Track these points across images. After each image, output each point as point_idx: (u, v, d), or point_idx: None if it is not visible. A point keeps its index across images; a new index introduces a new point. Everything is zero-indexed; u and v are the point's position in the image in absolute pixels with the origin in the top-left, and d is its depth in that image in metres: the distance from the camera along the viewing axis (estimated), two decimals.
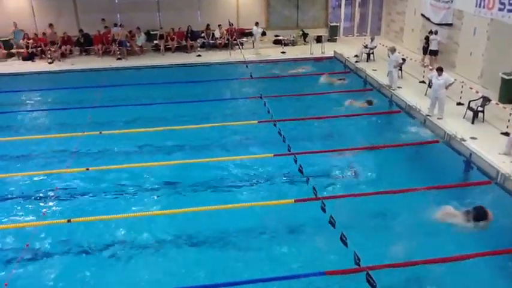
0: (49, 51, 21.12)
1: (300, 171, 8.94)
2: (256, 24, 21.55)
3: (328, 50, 21.26)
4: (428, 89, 14.14)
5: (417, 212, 8.73)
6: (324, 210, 7.47)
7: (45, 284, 7.22)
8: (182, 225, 8.59)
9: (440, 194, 9.27)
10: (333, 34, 23.62)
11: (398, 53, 15.86)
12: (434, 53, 17.23)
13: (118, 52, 21.23)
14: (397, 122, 13.51)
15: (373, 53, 19.20)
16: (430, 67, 16.17)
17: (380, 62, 18.54)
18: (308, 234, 8.35)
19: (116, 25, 21.57)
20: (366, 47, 19.31)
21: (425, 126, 12.60)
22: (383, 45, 19.48)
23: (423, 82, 15.46)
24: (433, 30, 17.18)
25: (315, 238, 8.18)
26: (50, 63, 20.71)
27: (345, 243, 6.72)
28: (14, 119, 14.40)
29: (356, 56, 19.48)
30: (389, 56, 15.56)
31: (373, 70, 17.56)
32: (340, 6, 24.26)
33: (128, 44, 21.26)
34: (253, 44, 21.87)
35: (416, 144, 11.83)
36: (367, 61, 19.02)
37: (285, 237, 8.28)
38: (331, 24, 23.74)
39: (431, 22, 17.81)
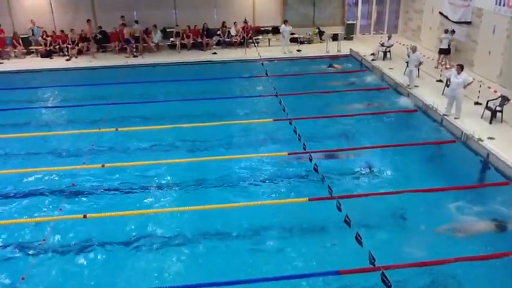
0: (67, 49, 21.38)
1: (315, 169, 8.90)
2: (285, 22, 21.38)
3: (344, 48, 21.13)
4: (446, 88, 13.96)
5: (433, 212, 8.65)
6: (339, 209, 7.43)
7: (61, 278, 7.30)
8: (195, 222, 8.61)
9: (457, 195, 9.14)
10: (350, 32, 23.44)
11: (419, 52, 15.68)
12: (445, 51, 17.06)
13: (134, 49, 21.40)
14: (413, 121, 13.37)
15: (389, 51, 19.00)
16: (448, 66, 15.98)
17: (397, 60, 18.36)
18: (322, 233, 8.30)
19: (136, 22, 21.70)
20: (382, 45, 19.13)
21: (442, 126, 12.45)
22: (400, 44, 19.34)
23: (440, 81, 15.26)
24: (449, 29, 16.94)
25: (330, 237, 8.13)
26: (67, 60, 20.94)
27: (360, 243, 6.67)
28: (32, 115, 14.59)
29: (372, 54, 19.30)
30: (409, 56, 15.32)
31: (390, 69, 17.39)
32: (357, 4, 24.03)
33: (132, 41, 21.36)
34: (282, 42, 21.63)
35: (432, 144, 11.69)
36: (383, 59, 18.84)
37: (299, 235, 8.25)
38: (348, 22, 23.55)
39: (450, 20, 17.57)
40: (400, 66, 17.07)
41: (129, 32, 21.46)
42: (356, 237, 6.80)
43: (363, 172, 10.43)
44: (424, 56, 16.75)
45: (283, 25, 21.31)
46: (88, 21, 21.87)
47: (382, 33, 23.10)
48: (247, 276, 7.15)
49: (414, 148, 11.37)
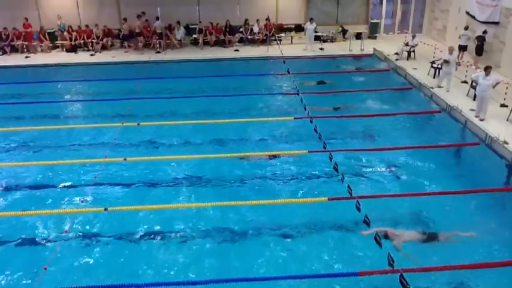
0: (91, 44, 21.69)
1: (335, 169, 8.84)
2: (311, 20, 21.22)
3: (367, 47, 20.93)
4: (472, 89, 13.72)
5: (455, 216, 8.51)
6: (358, 209, 7.37)
7: (81, 268, 7.42)
8: (214, 218, 8.63)
9: (480, 198, 8.98)
10: (373, 31, 23.20)
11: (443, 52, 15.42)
12: (463, 48, 16.96)
13: (157, 45, 21.59)
14: (437, 123, 13.17)
15: (414, 51, 18.74)
16: (474, 66, 15.67)
17: (421, 60, 18.10)
18: (341, 233, 8.24)
19: (157, 19, 21.87)
20: (406, 44, 18.87)
21: (467, 128, 12.23)
22: (424, 44, 19.05)
23: (465, 82, 14.97)
24: (474, 28, 16.66)
25: (348, 237, 8.08)
26: (91, 55, 21.24)
27: (379, 244, 6.61)
28: (56, 108, 14.86)
29: (396, 53, 19.07)
30: (446, 61, 14.48)
31: (414, 69, 17.16)
32: (381, 2, 23.78)
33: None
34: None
35: (456, 146, 11.50)
36: (407, 59, 18.59)
37: (318, 235, 8.21)
38: (372, 21, 23.31)
39: (477, 20, 17.24)
40: (424, 67, 16.83)
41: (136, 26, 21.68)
42: (375, 238, 6.75)
43: (384, 173, 10.32)
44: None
45: (308, 23, 21.20)
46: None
47: (406, 33, 22.78)
48: (265, 274, 7.15)
49: (437, 150, 11.21)
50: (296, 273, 7.17)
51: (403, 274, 5.95)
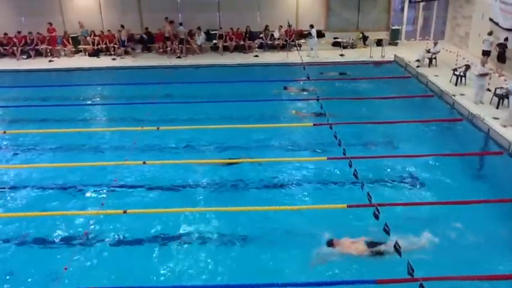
0: (113, 48, 22.00)
1: (355, 175, 8.76)
2: (312, 26, 21.34)
3: (388, 53, 20.79)
4: (494, 97, 13.53)
5: (477, 225, 8.35)
6: (377, 217, 7.28)
7: (100, 269, 7.49)
8: (231, 223, 8.62)
9: (503, 208, 8.80)
10: (394, 37, 23.03)
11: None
12: (487, 53, 16.68)
13: (178, 50, 21.79)
14: (458, 131, 12.98)
15: (435, 58, 18.53)
16: (497, 74, 15.41)
17: (442, 67, 17.87)
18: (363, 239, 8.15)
19: (181, 24, 22.08)
20: (428, 51, 18.67)
21: (489, 136, 12.02)
22: (446, 51, 18.83)
23: (488, 90, 14.69)
24: (497, 35, 16.40)
25: (369, 244, 7.98)
26: (113, 59, 21.54)
27: (399, 252, 6.51)
28: (78, 111, 15.10)
29: (417, 60, 18.86)
30: (484, 75, 14.00)
31: (435, 76, 16.95)
32: (403, 9, 23.60)
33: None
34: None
35: (478, 155, 11.31)
36: (428, 66, 18.38)
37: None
38: (393, 28, 23.15)
39: (500, 27, 16.97)
40: (446, 74, 16.62)
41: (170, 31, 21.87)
42: (395, 246, 6.65)
43: (404, 180, 10.20)
44: (471, 63, 16.25)
45: (313, 29, 21.26)
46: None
47: (428, 39, 22.54)
48: (280, 280, 7.10)
49: (459, 158, 11.04)
50: (311, 280, 7.10)
51: (423, 283, 5.85)
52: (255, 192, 9.87)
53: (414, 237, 7.88)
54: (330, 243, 7.89)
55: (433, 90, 16.01)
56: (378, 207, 7.44)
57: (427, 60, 18.57)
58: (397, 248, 6.59)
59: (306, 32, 22.90)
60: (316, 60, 20.31)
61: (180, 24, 22.06)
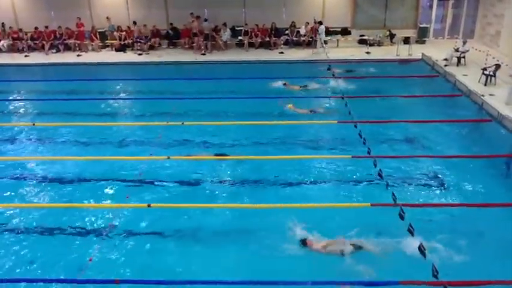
0: (139, 44, 22.24)
1: (380, 175, 8.66)
2: (320, 23, 21.34)
3: (415, 52, 20.46)
4: None
5: (506, 229, 8.16)
6: (402, 217, 7.18)
7: (124, 261, 7.59)
8: (253, 220, 8.61)
9: None
10: (422, 35, 22.65)
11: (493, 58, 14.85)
12: None
13: (203, 47, 21.88)
14: (487, 132, 12.70)
15: (464, 57, 18.14)
16: None
17: (471, 67, 17.50)
18: (383, 240, 8.05)
19: (205, 20, 22.18)
20: (457, 50, 18.30)
21: None
22: (476, 50, 18.44)
23: None
24: None
25: (391, 245, 7.88)
26: (139, 54, 21.78)
27: (423, 254, 6.42)
28: (104, 105, 15.35)
29: (445, 59, 18.51)
30: None
31: (464, 75, 16.60)
32: (431, 6, 23.18)
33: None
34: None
35: (506, 157, 11.04)
36: (457, 65, 18.01)
37: (358, 241, 8.05)
38: (421, 26, 22.77)
39: None
40: (475, 73, 16.26)
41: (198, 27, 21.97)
42: (419, 247, 6.56)
43: (430, 181, 10.04)
44: (502, 63, 15.87)
45: (321, 26, 21.23)
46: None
47: (457, 38, 22.10)
48: (302, 278, 7.07)
49: (487, 160, 10.79)
50: (332, 279, 7.07)
51: (447, 286, 5.76)
52: (277, 189, 9.84)
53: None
54: (304, 243, 7.79)
55: (461, 89, 15.69)
56: (403, 207, 7.36)
57: (455, 59, 18.21)
58: (421, 250, 6.51)
59: (331, 29, 22.78)
60: (342, 57, 20.12)
61: (205, 20, 22.14)
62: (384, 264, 7.41)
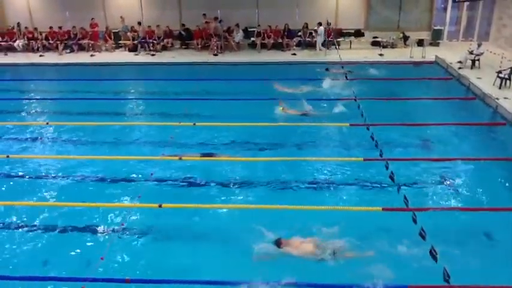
0: (152, 44, 22.36)
1: (391, 178, 8.61)
2: (320, 24, 21.43)
3: (429, 54, 20.31)
4: None
5: None
6: (414, 221, 7.13)
7: (136, 260, 7.64)
8: (266, 220, 8.57)
9: None
10: (436, 38, 22.47)
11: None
12: None
13: (215, 47, 21.95)
14: (501, 135, 12.55)
15: (478, 60, 17.95)
16: None
17: (485, 69, 17.32)
18: (394, 244, 7.99)
19: (219, 21, 22.22)
20: (471, 53, 18.11)
21: None
22: (491, 52, 18.25)
23: None
24: None
25: (401, 249, 7.82)
26: (152, 55, 21.90)
27: (435, 258, 6.36)
28: (117, 105, 15.48)
29: (459, 62, 18.34)
30: None
31: (478, 78, 16.44)
32: (446, 8, 22.99)
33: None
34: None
35: None
36: (471, 68, 17.83)
37: (369, 245, 7.99)
38: (435, 28, 22.60)
39: None
40: (489, 76, 16.09)
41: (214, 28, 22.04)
42: (431, 251, 6.50)
43: (442, 185, 9.95)
44: None
45: (320, 27, 21.35)
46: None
47: (471, 40, 21.90)
48: (311, 280, 7.05)
49: (501, 163, 10.68)
50: (342, 282, 7.03)
51: None
52: (289, 191, 9.82)
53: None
54: (278, 243, 7.74)
55: (475, 92, 15.54)
56: (415, 212, 7.31)
57: (469, 62, 18.03)
58: (433, 254, 6.45)
59: (345, 31, 22.72)
60: (355, 59, 20.03)
61: (220, 21, 22.20)
62: (392, 268, 7.36)
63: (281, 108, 14.10)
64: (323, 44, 21.68)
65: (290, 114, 13.82)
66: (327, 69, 18.60)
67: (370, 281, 6.96)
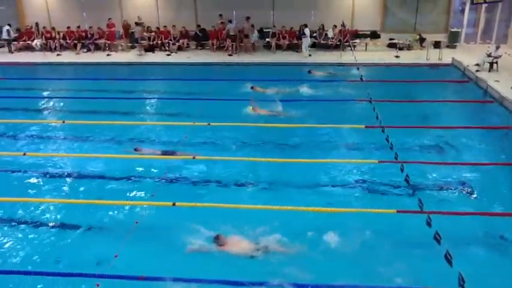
0: (168, 44, 22.50)
1: (407, 181, 8.53)
2: (306, 26, 21.51)
3: (446, 56, 20.10)
4: None
5: None
6: (429, 224, 7.05)
7: (150, 259, 7.65)
8: (279, 222, 8.55)
9: None
10: (453, 40, 22.24)
11: None
12: None
13: (230, 48, 22.01)
14: None
15: (496, 62, 17.72)
16: None
17: (503, 72, 17.10)
18: (408, 247, 7.93)
19: (230, 21, 22.29)
20: (489, 55, 17.89)
21: None
22: (509, 55, 18.00)
23: None
24: None
25: (415, 252, 7.75)
26: (168, 55, 22.02)
27: (450, 262, 6.28)
28: (131, 104, 15.57)
29: (477, 64, 18.13)
30: None
31: (495, 81, 16.22)
32: (463, 10, 22.74)
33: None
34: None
35: None
36: (489, 71, 17.60)
37: (383, 247, 7.94)
38: (452, 30, 22.36)
39: None
40: (507, 79, 15.89)
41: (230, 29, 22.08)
42: (446, 255, 6.42)
43: (458, 188, 9.83)
44: None
45: (306, 29, 21.36)
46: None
47: (489, 43, 21.62)
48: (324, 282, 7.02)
49: None
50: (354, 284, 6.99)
51: None
52: (302, 192, 9.78)
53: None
54: (216, 239, 7.78)
55: (493, 95, 15.34)
56: (430, 215, 7.22)
57: (487, 65, 17.81)
58: (448, 258, 6.37)
59: (360, 32, 22.61)
60: (371, 61, 19.91)
61: (230, 21, 22.25)
62: (410, 271, 7.30)
63: (251, 108, 14.14)
64: (337, 46, 21.60)
65: (261, 113, 13.91)
66: (330, 72, 18.61)
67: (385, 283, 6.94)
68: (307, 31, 21.51)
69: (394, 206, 8.76)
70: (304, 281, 7.01)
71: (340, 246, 7.89)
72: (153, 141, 12.42)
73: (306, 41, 21.61)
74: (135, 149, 11.42)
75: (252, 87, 16.07)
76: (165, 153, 11.25)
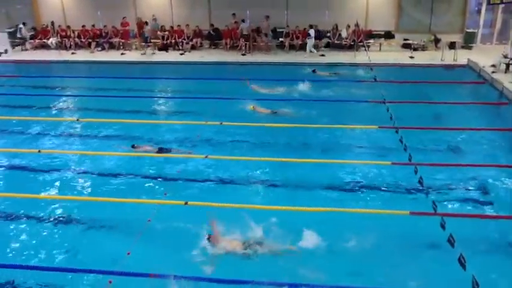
0: (181, 43, 22.58)
1: (420, 183, 8.46)
2: (310, 26, 21.54)
3: (461, 57, 19.87)
4: None
5: None
6: (443, 227, 6.98)
7: (161, 257, 7.70)
8: (289, 222, 8.53)
9: None
10: (469, 41, 21.95)
11: None
12: None
13: (244, 47, 22.01)
14: None
15: None
16: None
17: None
18: (422, 250, 7.85)
19: (243, 21, 22.29)
20: (505, 56, 17.64)
21: None
22: None
23: None
24: None
25: (429, 255, 7.68)
26: (181, 54, 22.10)
27: (463, 266, 6.22)
28: (145, 103, 15.65)
29: (493, 65, 17.89)
30: None
31: (511, 82, 16.02)
32: (479, 11, 22.46)
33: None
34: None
35: None
36: (505, 72, 17.35)
37: (395, 249, 7.88)
38: (468, 30, 22.10)
39: None
40: None
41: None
42: (459, 259, 6.36)
43: (473, 191, 9.71)
44: None
45: (311, 29, 21.42)
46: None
47: (506, 44, 21.31)
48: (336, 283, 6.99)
49: None
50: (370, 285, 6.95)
51: None
52: (314, 192, 9.75)
53: None
54: (209, 238, 7.86)
55: (509, 97, 15.13)
56: (443, 217, 7.16)
57: (503, 66, 17.57)
58: (462, 262, 6.31)
59: (374, 32, 22.47)
60: (385, 61, 19.77)
61: (243, 20, 22.24)
62: (423, 274, 7.24)
63: (251, 106, 14.17)
64: (351, 46, 21.50)
65: (261, 113, 13.96)
66: (335, 73, 18.58)
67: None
68: (312, 32, 21.48)
69: (407, 207, 8.70)
70: (316, 281, 6.99)
71: (352, 247, 7.85)
72: (165, 140, 12.45)
73: (311, 42, 21.62)
74: (132, 146, 11.59)
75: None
76: (175, 151, 11.30)
